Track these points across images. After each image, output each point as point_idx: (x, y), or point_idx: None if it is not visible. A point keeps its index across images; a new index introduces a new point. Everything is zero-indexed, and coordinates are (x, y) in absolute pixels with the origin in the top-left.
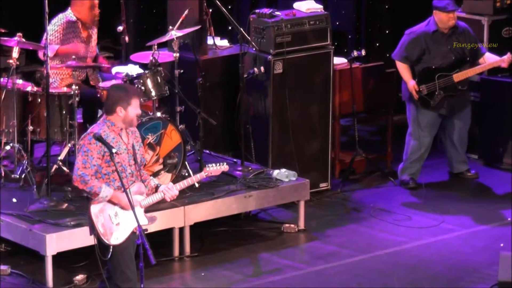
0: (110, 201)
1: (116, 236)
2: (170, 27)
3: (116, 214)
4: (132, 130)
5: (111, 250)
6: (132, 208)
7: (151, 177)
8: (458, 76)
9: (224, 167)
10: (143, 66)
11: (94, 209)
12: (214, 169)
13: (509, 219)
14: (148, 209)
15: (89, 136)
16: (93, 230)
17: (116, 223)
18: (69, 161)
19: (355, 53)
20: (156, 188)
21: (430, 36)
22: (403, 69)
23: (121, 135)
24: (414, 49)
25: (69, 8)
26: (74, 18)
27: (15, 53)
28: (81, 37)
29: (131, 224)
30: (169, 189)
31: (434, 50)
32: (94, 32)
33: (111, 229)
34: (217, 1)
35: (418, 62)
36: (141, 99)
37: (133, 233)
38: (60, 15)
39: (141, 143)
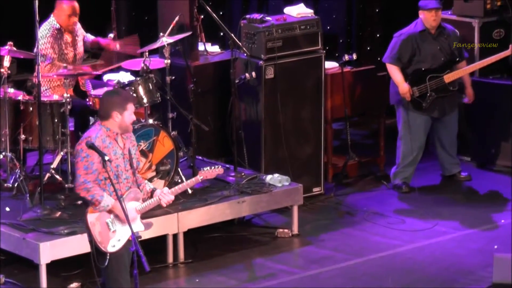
0: (109, 211)
1: (113, 244)
2: (161, 34)
3: (113, 221)
4: (128, 135)
5: (108, 257)
6: (127, 216)
7: (146, 181)
8: (449, 77)
9: (219, 170)
10: (134, 73)
11: (90, 217)
12: (209, 172)
13: (502, 221)
14: (142, 216)
15: (86, 141)
16: (90, 238)
17: (113, 231)
18: (62, 169)
19: (347, 57)
20: (152, 193)
21: (418, 36)
22: (395, 72)
23: (117, 140)
24: (406, 50)
25: (52, 15)
26: (58, 25)
27: (6, 62)
28: (68, 42)
29: (127, 232)
30: (165, 194)
31: (424, 51)
32: (79, 33)
33: (108, 237)
34: (208, 7)
35: (408, 64)
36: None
37: (129, 240)
38: (46, 25)
39: (136, 147)
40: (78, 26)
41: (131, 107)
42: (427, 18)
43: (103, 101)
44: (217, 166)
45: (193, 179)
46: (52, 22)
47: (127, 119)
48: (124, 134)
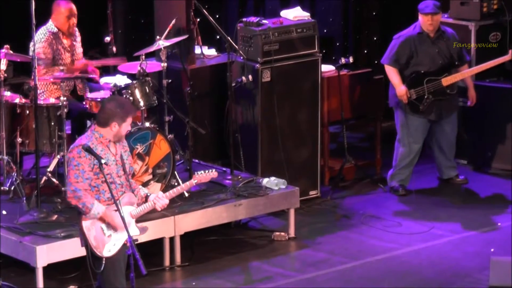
0: (100, 218)
1: (109, 248)
2: (158, 37)
3: (108, 226)
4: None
5: (103, 262)
6: (123, 221)
7: (140, 186)
8: (447, 80)
9: (213, 173)
10: (131, 76)
11: (85, 222)
12: (203, 176)
13: (499, 223)
14: (138, 219)
15: (77, 149)
16: (85, 243)
17: (108, 235)
18: (59, 172)
19: (343, 60)
20: (146, 198)
21: (417, 38)
22: (393, 74)
23: (109, 147)
24: (404, 52)
25: (50, 19)
26: (55, 30)
27: (3, 65)
28: (65, 47)
29: (123, 236)
30: (159, 198)
31: (422, 53)
32: (78, 40)
33: (103, 241)
34: (204, 10)
35: (406, 66)
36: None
37: (124, 244)
38: (43, 29)
39: (129, 152)
40: (78, 38)
41: (129, 120)
42: (424, 22)
43: (105, 109)
44: (211, 170)
45: (187, 183)
46: (49, 26)
47: (123, 130)
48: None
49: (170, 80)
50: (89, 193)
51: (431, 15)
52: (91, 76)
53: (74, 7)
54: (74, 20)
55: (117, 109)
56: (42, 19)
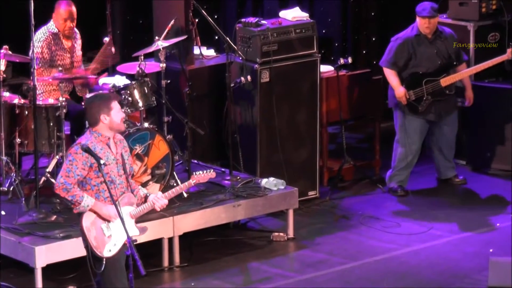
0: (91, 210)
1: (109, 248)
2: (156, 37)
3: (108, 226)
4: (120, 139)
5: (104, 262)
6: (121, 219)
7: (140, 187)
8: (445, 81)
9: (211, 173)
10: (130, 76)
11: (85, 222)
12: (202, 176)
13: (498, 224)
14: (137, 220)
15: (76, 146)
16: (86, 243)
17: (108, 235)
18: (57, 173)
19: (342, 61)
20: (145, 198)
21: (414, 40)
22: (392, 76)
23: (110, 145)
24: (402, 54)
25: (51, 19)
26: (56, 30)
27: (1, 66)
28: (65, 48)
29: (123, 236)
30: (159, 198)
31: (420, 55)
32: (78, 43)
33: (103, 242)
34: (203, 11)
35: (405, 67)
36: (129, 110)
37: (124, 244)
38: (43, 29)
39: (129, 153)
40: (78, 41)
41: (116, 105)
42: (421, 24)
43: (88, 108)
44: (209, 170)
45: (186, 183)
46: (50, 26)
47: (115, 118)
48: (117, 138)
49: (169, 81)
50: (88, 193)
51: (429, 18)
52: (90, 77)
53: (74, 10)
54: (70, 24)
55: (98, 101)
56: (41, 20)
